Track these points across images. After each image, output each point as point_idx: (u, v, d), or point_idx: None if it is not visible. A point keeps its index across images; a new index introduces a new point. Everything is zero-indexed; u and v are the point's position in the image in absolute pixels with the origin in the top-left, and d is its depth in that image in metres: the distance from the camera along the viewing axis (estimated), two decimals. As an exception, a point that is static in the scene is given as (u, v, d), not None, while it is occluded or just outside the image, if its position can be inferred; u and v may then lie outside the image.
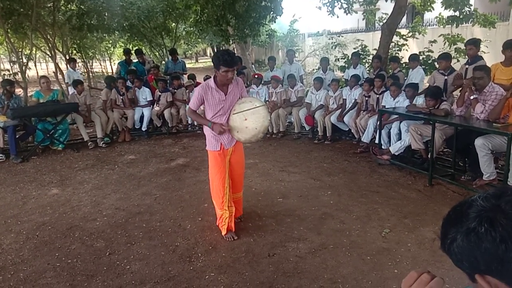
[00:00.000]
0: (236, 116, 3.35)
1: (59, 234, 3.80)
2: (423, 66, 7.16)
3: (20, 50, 10.72)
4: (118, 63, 9.59)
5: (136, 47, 11.39)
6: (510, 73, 4.84)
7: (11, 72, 9.31)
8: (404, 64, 8.11)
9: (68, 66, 9.47)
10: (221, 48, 15.54)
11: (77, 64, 14.24)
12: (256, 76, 8.08)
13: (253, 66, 15.78)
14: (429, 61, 8.34)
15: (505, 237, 0.73)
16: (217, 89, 3.32)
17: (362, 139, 6.30)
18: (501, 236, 0.73)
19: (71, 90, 8.66)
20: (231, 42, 12.16)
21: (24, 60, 9.51)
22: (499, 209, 0.76)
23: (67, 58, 10.10)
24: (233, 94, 3.40)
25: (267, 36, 22.02)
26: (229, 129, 3.39)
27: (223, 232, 3.56)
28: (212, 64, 3.44)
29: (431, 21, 13.88)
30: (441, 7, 8.53)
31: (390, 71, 8.12)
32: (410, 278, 0.86)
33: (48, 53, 10.91)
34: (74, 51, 12.92)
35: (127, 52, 9.35)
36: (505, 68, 4.92)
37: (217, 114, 3.38)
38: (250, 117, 3.30)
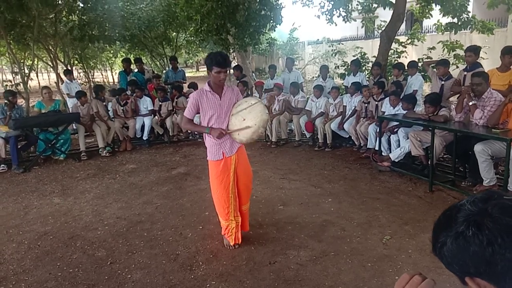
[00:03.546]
0: (235, 119, 3.35)
1: (61, 243, 3.81)
2: (422, 73, 7.19)
3: (22, 61, 10.82)
4: (119, 73, 9.67)
5: (136, 57, 11.48)
6: (506, 79, 4.89)
7: (13, 83, 9.39)
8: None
9: (65, 77, 9.55)
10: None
11: (78, 74, 14.40)
12: (258, 84, 8.16)
13: (253, 74, 15.87)
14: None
15: (491, 240, 0.75)
16: (212, 92, 3.34)
17: (367, 146, 6.31)
18: (488, 239, 0.75)
19: (69, 101, 8.74)
20: (231, 51, 12.26)
21: (26, 71, 9.60)
22: (486, 213, 0.78)
23: (65, 69, 10.19)
24: (229, 98, 3.38)
25: (267, 45, 22.21)
26: (229, 134, 3.36)
27: (231, 243, 3.55)
28: None
29: (430, 28, 13.98)
30: (440, 14, 8.61)
31: (390, 77, 8.17)
32: (402, 280, 0.88)
33: (50, 63, 11.01)
34: (76, 62, 13.03)
35: (126, 61, 9.40)
36: (501, 73, 4.97)
37: (213, 118, 3.34)
38: (247, 116, 3.29)
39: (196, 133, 8.01)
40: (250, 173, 3.65)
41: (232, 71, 8.99)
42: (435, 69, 6.02)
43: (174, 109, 7.96)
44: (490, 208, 0.78)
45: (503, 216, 0.76)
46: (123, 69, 9.20)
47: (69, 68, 10.87)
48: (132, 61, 9.91)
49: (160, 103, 7.91)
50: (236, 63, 12.33)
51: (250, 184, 3.65)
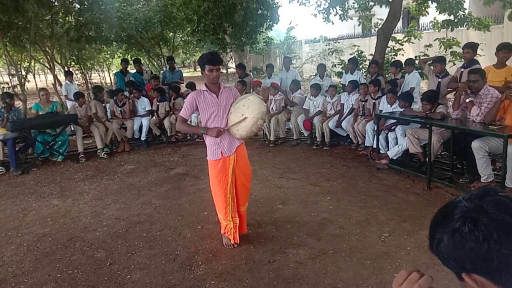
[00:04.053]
0: (233, 116, 3.36)
1: (60, 245, 3.81)
2: (419, 70, 7.20)
3: (19, 63, 10.79)
4: (115, 74, 9.65)
5: (134, 57, 11.46)
6: (502, 75, 4.91)
7: (10, 85, 9.36)
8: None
9: (66, 79, 9.57)
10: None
11: (75, 76, 14.36)
12: (256, 84, 8.16)
13: (251, 73, 15.85)
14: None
15: (487, 236, 0.76)
16: (209, 92, 3.37)
17: (365, 144, 6.33)
18: (483, 235, 0.76)
19: (69, 103, 8.74)
20: (228, 51, 12.24)
21: (23, 73, 9.57)
22: (482, 209, 0.79)
23: (65, 71, 10.19)
24: (226, 97, 3.40)
25: (264, 44, 22.20)
26: (228, 130, 3.37)
27: (231, 241, 3.56)
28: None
29: (426, 26, 13.99)
30: (436, 11, 8.61)
31: (387, 75, 8.17)
32: (400, 277, 0.89)
33: (47, 65, 10.98)
34: (73, 63, 12.99)
35: (124, 61, 9.41)
36: (497, 70, 4.99)
37: (212, 117, 3.36)
38: (246, 110, 3.30)
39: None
40: (249, 173, 3.65)
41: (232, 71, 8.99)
42: (431, 67, 6.03)
43: (172, 110, 7.95)
44: (486, 205, 0.79)
45: (499, 212, 0.77)
46: (120, 70, 9.18)
47: (69, 69, 10.86)
48: (131, 62, 9.89)
49: (158, 103, 7.90)
50: (239, 62, 12.30)
51: (248, 184, 3.65)
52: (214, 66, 3.26)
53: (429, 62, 6.33)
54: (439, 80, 5.73)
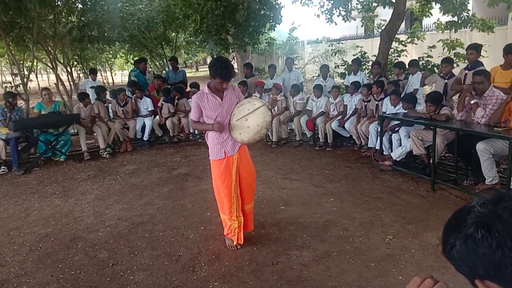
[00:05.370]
0: (237, 118, 3.34)
1: (62, 245, 3.80)
2: (422, 72, 7.17)
3: (21, 62, 10.78)
4: (132, 70, 9.60)
5: (137, 57, 11.47)
6: (508, 76, 4.88)
7: (13, 85, 9.37)
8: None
9: (90, 76, 10.14)
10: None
11: (78, 75, 14.41)
12: (258, 84, 8.14)
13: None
14: (429, 67, 8.37)
15: (501, 242, 0.74)
16: (212, 94, 3.34)
17: (368, 145, 6.30)
18: (497, 242, 0.74)
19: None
20: (230, 51, 12.24)
21: (26, 72, 9.57)
22: (496, 215, 0.77)
23: (90, 69, 10.52)
24: (230, 99, 3.38)
25: (266, 44, 22.21)
26: (231, 133, 3.37)
27: (234, 243, 3.54)
28: None
29: (430, 27, 13.96)
30: (440, 12, 8.59)
31: (390, 76, 8.15)
32: (413, 284, 0.87)
33: (49, 64, 10.98)
34: (75, 63, 13.01)
35: (142, 60, 9.40)
36: (504, 71, 4.96)
37: (217, 120, 3.34)
38: (250, 117, 3.28)
39: (196, 133, 8.02)
40: (253, 172, 3.64)
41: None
42: (437, 70, 6.01)
43: (176, 111, 7.94)
44: (501, 211, 0.77)
45: None
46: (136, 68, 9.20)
47: (92, 68, 11.19)
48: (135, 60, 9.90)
49: (162, 102, 7.88)
50: (247, 61, 12.28)
51: (253, 184, 3.64)
52: (225, 81, 3.25)
53: (428, 75, 6.29)
54: (446, 81, 5.71)
